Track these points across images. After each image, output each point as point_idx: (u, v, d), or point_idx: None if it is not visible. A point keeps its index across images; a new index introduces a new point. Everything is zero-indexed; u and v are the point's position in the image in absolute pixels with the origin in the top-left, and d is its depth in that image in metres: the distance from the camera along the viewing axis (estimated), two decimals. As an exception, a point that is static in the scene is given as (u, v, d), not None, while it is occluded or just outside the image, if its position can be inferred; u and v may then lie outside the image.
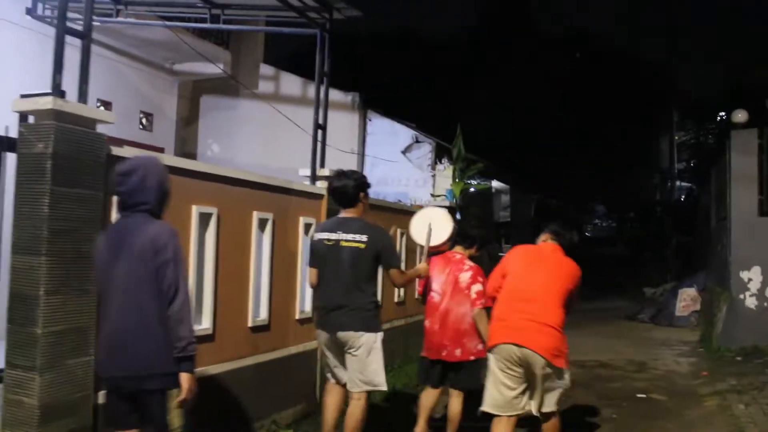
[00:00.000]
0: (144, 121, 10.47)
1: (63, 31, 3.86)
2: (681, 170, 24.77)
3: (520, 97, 19.94)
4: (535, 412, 4.54)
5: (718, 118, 17.89)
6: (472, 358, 5.26)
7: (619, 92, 23.39)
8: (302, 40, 8.81)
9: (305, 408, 6.36)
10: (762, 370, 8.97)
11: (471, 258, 5.51)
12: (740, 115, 10.90)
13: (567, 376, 4.60)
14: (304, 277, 6.42)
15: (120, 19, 7.77)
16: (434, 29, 20.93)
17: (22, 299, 3.68)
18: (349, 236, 4.72)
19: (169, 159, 4.85)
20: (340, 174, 4.97)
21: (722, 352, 10.34)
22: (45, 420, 3.65)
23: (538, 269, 4.71)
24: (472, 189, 11.32)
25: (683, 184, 25.61)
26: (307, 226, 6.51)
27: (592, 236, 30.32)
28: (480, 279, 5.27)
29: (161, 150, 9.73)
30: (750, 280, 10.63)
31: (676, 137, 22.98)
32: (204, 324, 4.97)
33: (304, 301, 6.45)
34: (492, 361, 4.55)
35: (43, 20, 8.41)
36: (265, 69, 11.69)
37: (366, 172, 11.45)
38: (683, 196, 25.79)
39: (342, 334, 4.65)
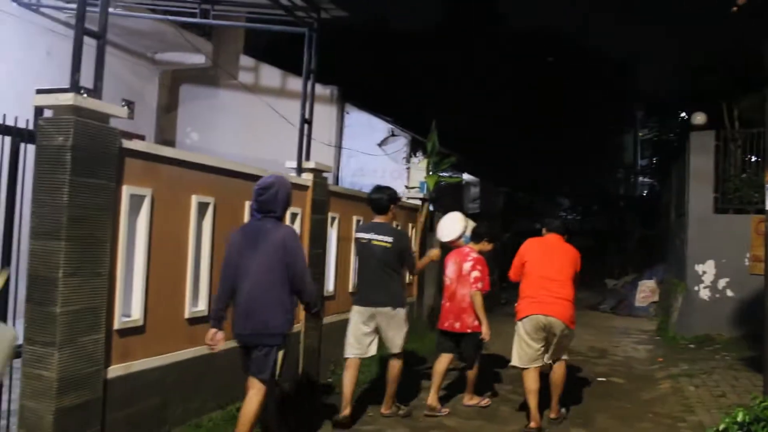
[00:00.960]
0: (126, 109, 10.61)
1: (82, 33, 4.12)
2: (644, 166, 25.54)
3: (491, 92, 20.43)
4: (547, 361, 6.11)
5: (679, 118, 18.53)
6: (468, 330, 6.55)
7: (587, 89, 24.03)
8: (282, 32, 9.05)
9: (290, 386, 6.73)
10: (712, 356, 9.61)
11: (484, 251, 6.85)
12: (699, 118, 11.51)
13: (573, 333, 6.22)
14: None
15: (111, 10, 7.94)
16: (409, 23, 21.03)
17: (41, 281, 3.96)
18: (380, 237, 6.06)
19: (171, 151, 5.13)
20: (378, 188, 6.33)
21: (677, 339, 10.98)
22: (61, 392, 3.95)
23: (553, 256, 6.12)
24: (442, 182, 11.65)
25: (646, 179, 26.40)
26: (294, 216, 6.86)
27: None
28: (479, 267, 6.58)
29: (142, 138, 9.90)
30: (704, 273, 11.28)
31: (640, 134, 23.68)
32: (200, 306, 5.32)
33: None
34: (521, 328, 6.02)
35: (29, 8, 8.59)
36: (245, 60, 11.90)
37: (343, 164, 11.92)
38: (645, 192, 26.62)
39: (379, 309, 6.02)
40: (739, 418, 4.99)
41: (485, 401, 6.91)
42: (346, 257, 8.26)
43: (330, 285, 7.86)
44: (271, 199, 4.60)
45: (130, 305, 4.65)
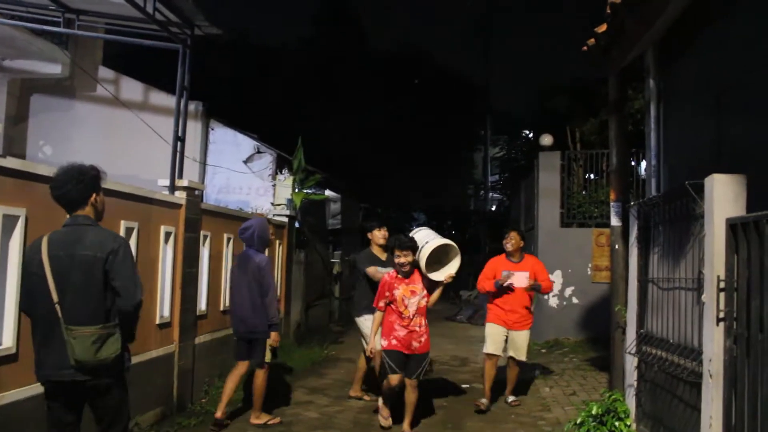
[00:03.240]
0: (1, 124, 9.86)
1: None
2: (494, 182, 27.03)
3: (353, 109, 20.87)
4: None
5: (524, 137, 19.84)
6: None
7: (443, 108, 25.15)
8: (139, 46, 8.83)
9: (164, 410, 6.59)
10: (561, 359, 10.43)
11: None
12: (546, 139, 12.50)
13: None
14: (164, 284, 6.70)
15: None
16: (275, 39, 21.10)
17: None
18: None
19: (43, 168, 4.90)
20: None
21: (531, 346, 11.76)
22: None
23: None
24: (307, 199, 11.81)
25: (496, 195, 27.95)
26: (167, 235, 6.74)
27: (412, 242, 31.97)
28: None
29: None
30: (553, 282, 12.19)
31: (494, 152, 25.12)
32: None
33: (163, 307, 6.67)
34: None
35: None
36: (105, 72, 11.42)
37: (207, 181, 11.74)
38: (495, 207, 28.19)
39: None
40: (594, 411, 5.56)
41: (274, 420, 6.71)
42: (218, 276, 8.19)
43: (202, 304, 7.75)
44: (249, 237, 6.53)
45: (1, 333, 4.39)
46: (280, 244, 10.69)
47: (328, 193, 15.74)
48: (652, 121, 5.62)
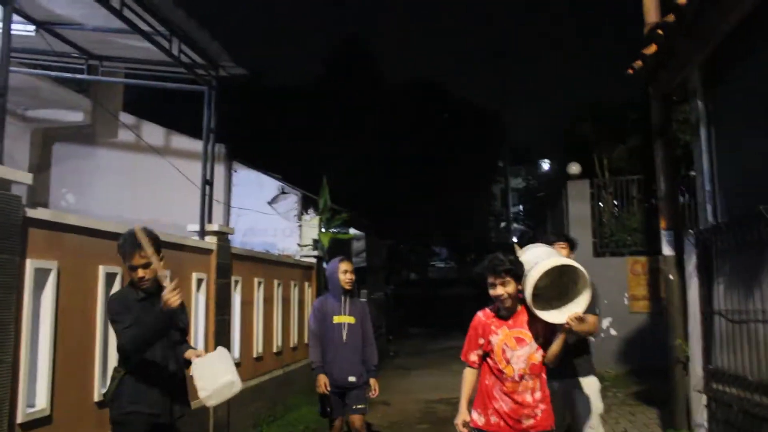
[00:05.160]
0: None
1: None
2: (515, 213, 26.78)
3: (371, 146, 20.79)
4: None
5: (547, 166, 19.64)
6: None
7: (458, 141, 25.04)
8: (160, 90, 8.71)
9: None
10: (605, 393, 9.90)
11: None
12: (574, 168, 12.24)
13: None
14: (197, 332, 6.46)
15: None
16: (288, 79, 21.23)
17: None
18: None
19: (76, 219, 4.72)
20: None
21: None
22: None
23: None
24: (334, 239, 11.59)
25: (519, 226, 27.67)
26: (199, 282, 6.51)
27: (435, 278, 31.73)
28: None
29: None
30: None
31: (517, 182, 24.94)
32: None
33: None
34: None
35: None
36: (126, 117, 11.34)
37: (232, 223, 11.56)
38: (518, 238, 27.86)
39: None
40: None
41: None
42: (250, 321, 7.94)
43: (236, 351, 7.49)
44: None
45: (35, 393, 4.14)
46: (309, 286, 10.45)
47: (352, 231, 15.55)
48: (703, 145, 5.35)
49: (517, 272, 3.78)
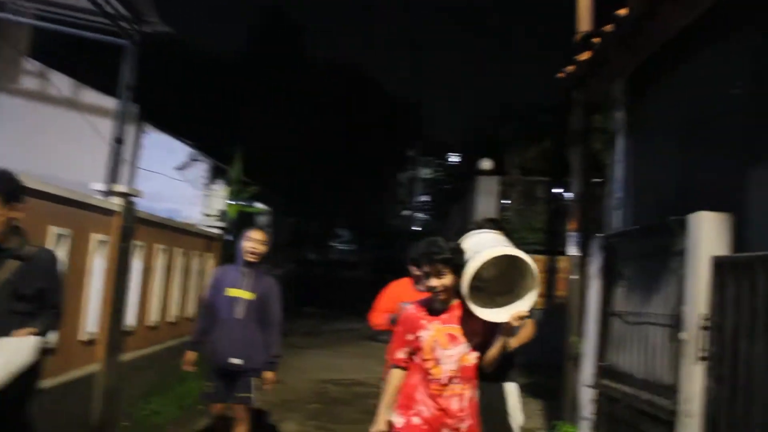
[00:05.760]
0: None
1: None
2: (421, 203, 27.17)
3: (288, 123, 20.49)
4: None
5: (456, 159, 20.02)
6: None
7: (374, 127, 25.10)
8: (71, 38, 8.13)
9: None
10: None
11: None
12: (486, 164, 12.57)
13: None
14: (92, 297, 6.16)
15: None
16: (214, 47, 20.50)
17: None
18: None
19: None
20: None
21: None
22: None
23: None
24: (242, 211, 11.38)
25: (422, 215, 28.09)
26: (100, 243, 6.21)
27: (335, 259, 31.77)
28: None
29: None
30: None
31: (427, 173, 25.27)
32: None
33: (89, 322, 6.12)
34: None
35: None
36: (30, 64, 10.57)
37: (139, 186, 11.07)
38: (421, 227, 28.31)
39: None
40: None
41: None
42: (149, 289, 7.68)
43: (131, 318, 7.21)
44: None
45: None
46: (211, 257, 10.20)
47: (259, 205, 15.32)
48: (620, 153, 5.59)
49: (456, 262, 3.34)
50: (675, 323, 4.12)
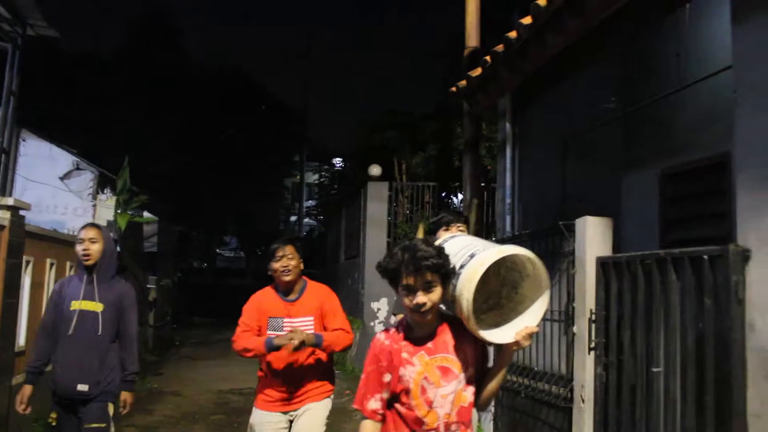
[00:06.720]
0: None
1: None
2: (309, 208, 27.17)
3: (172, 128, 19.99)
4: None
5: (342, 165, 20.29)
6: None
7: (259, 133, 24.91)
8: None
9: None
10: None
11: None
12: (375, 170, 12.84)
13: None
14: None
15: None
16: (95, 47, 19.66)
17: None
18: None
19: None
20: None
21: (357, 372, 11.90)
22: None
23: None
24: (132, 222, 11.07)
25: (310, 221, 28.10)
26: (-10, 260, 5.95)
27: (222, 267, 31.21)
28: None
29: None
30: (379, 309, 12.51)
31: (314, 179, 25.31)
32: None
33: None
34: None
35: None
36: None
37: (17, 197, 10.54)
38: (307, 233, 28.31)
39: None
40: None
41: None
42: (40, 306, 7.37)
43: (21, 339, 6.91)
44: None
45: None
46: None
47: (146, 215, 14.91)
48: (507, 162, 6.03)
49: (447, 270, 2.46)
50: (567, 318, 4.55)
